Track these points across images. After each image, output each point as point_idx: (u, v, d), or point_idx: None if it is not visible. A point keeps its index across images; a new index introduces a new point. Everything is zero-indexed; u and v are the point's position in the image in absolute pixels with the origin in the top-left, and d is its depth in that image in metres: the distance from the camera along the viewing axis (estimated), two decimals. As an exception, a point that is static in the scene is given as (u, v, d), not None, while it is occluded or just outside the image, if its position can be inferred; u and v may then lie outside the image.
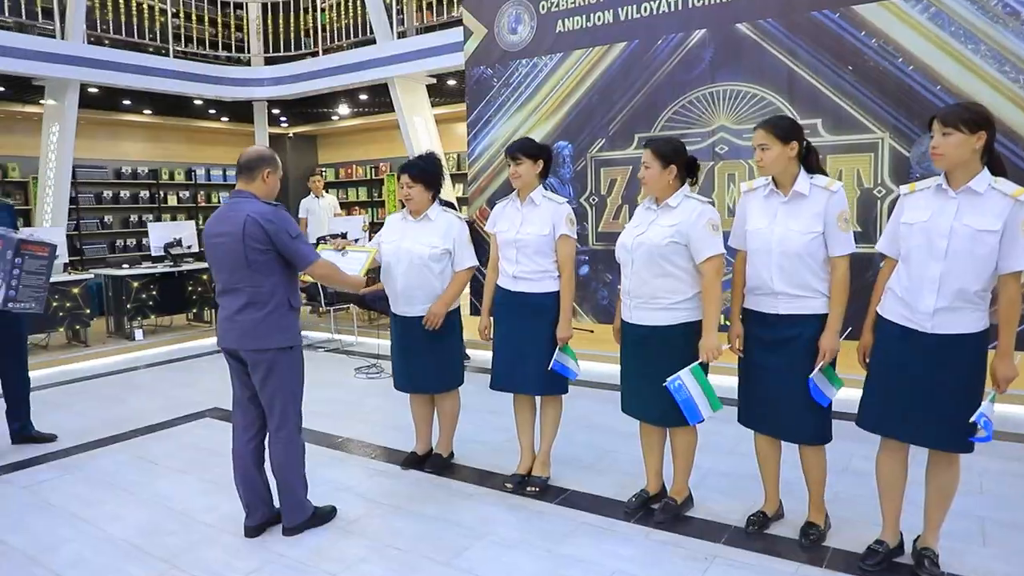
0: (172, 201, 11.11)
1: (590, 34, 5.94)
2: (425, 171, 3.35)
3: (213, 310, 7.69)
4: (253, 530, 2.91)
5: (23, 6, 6.68)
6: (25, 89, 7.34)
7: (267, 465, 2.93)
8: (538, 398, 3.35)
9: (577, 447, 3.84)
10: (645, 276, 2.78)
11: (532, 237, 3.16)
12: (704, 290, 2.74)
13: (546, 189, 3.25)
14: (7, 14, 6.57)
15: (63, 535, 3.00)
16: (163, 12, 7.88)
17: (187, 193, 11.34)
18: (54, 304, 6.43)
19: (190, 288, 7.63)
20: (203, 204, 11.37)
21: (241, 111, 9.63)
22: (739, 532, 2.83)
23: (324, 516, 3.03)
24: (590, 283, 6.03)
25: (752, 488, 3.03)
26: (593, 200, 6.02)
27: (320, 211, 8.02)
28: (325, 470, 3.58)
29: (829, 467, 2.74)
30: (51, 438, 4.25)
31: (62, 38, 6.76)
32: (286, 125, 12.01)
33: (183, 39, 8.39)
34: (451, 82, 7.94)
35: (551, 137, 6.15)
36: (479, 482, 3.45)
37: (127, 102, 8.90)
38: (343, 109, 10.40)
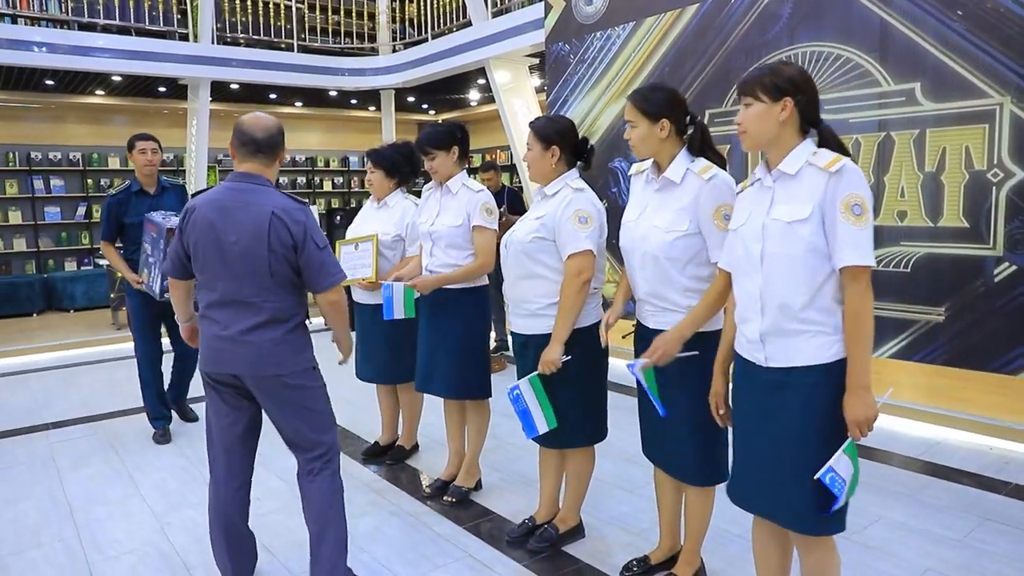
0: (327, 187, 12.00)
1: (662, -3, 5.28)
2: (385, 158, 3.40)
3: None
4: None
5: (161, 15, 7.53)
6: (182, 89, 8.30)
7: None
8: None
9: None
10: (512, 276, 2.44)
11: (445, 228, 2.87)
12: (560, 292, 2.30)
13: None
14: (147, 22, 7.46)
15: None
16: (288, 8, 8.44)
17: (341, 179, 12.19)
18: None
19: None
20: (356, 189, 12.16)
21: (378, 100, 10.06)
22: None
23: None
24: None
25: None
26: (661, 185, 5.37)
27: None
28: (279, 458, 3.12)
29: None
30: (194, 418, 4.19)
31: (194, 41, 7.53)
32: (433, 113, 12.39)
33: (310, 31, 8.90)
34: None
35: (621, 118, 5.59)
36: (404, 484, 3.26)
37: (273, 96, 9.72)
38: (474, 94, 10.45)
